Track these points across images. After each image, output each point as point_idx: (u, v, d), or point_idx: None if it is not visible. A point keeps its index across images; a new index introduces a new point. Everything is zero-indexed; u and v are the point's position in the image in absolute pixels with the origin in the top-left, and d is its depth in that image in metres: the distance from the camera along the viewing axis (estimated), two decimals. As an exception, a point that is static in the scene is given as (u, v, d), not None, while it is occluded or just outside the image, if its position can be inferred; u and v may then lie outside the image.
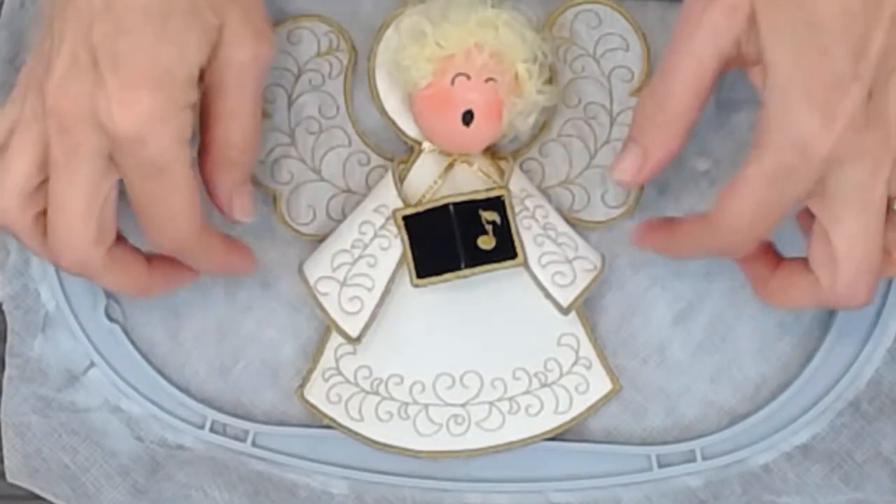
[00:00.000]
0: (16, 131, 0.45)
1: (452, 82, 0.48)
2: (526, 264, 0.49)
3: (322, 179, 0.51)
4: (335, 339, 0.51)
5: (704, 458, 0.52)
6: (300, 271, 0.50)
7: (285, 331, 0.53)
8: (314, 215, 0.51)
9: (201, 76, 0.44)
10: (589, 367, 0.51)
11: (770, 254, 0.48)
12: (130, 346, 0.52)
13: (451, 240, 0.49)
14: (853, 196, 0.43)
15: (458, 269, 0.49)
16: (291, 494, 0.52)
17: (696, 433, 0.52)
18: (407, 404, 0.51)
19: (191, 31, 0.43)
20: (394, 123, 0.51)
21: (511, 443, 0.51)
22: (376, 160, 0.51)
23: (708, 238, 0.45)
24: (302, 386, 0.51)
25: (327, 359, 0.51)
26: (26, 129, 0.44)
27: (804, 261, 0.46)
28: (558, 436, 0.51)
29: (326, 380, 0.51)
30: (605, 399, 0.51)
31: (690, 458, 0.52)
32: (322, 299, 0.50)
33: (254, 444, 0.52)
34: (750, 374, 0.52)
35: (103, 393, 0.52)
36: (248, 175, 0.48)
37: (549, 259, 0.49)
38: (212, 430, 0.52)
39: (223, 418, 0.52)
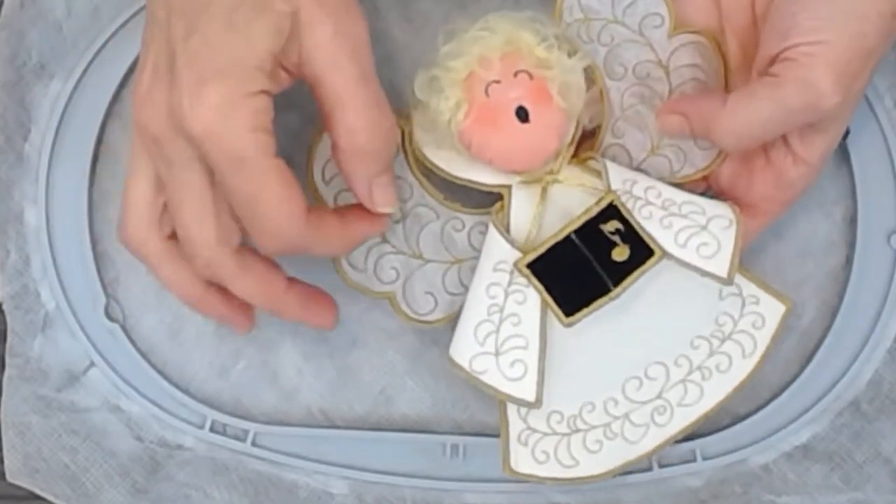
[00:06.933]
0: (130, 157, 0.45)
1: (487, 93, 0.46)
2: (667, 254, 0.46)
3: (427, 261, 0.49)
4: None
5: (704, 458, 0.52)
6: (449, 360, 0.48)
7: (285, 331, 0.52)
8: (434, 300, 0.49)
9: (289, 70, 0.43)
10: (757, 302, 0.49)
11: None
12: (130, 346, 0.52)
13: (588, 267, 0.46)
14: None
15: (608, 292, 0.46)
16: (291, 494, 0.52)
17: (696, 433, 0.52)
18: (608, 424, 0.49)
19: (258, 20, 0.42)
20: (469, 182, 0.48)
21: (717, 405, 0.49)
22: (469, 219, 0.49)
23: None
24: (506, 461, 0.49)
25: (514, 423, 0.49)
26: (137, 154, 0.45)
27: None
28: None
29: (525, 443, 0.49)
30: (784, 320, 0.49)
31: (690, 458, 0.52)
32: (483, 378, 0.47)
33: (254, 444, 0.52)
34: (750, 374, 0.52)
35: (103, 393, 0.52)
36: (388, 165, 0.45)
37: (684, 236, 0.47)
38: (212, 430, 0.52)
39: (223, 418, 0.52)
